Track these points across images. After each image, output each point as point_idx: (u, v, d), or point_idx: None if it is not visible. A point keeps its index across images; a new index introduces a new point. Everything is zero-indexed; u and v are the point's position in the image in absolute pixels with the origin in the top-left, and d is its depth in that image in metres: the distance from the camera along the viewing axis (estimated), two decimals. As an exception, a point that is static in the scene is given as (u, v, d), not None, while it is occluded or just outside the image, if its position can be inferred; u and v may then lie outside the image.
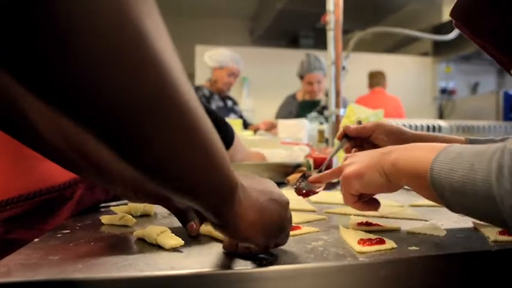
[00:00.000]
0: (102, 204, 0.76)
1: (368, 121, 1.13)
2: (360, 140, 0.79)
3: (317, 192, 0.67)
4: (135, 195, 0.53)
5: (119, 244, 0.50)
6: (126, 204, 0.68)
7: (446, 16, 3.90)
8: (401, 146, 0.53)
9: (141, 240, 0.50)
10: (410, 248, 0.46)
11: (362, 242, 0.47)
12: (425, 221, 0.60)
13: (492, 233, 0.50)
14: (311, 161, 1.05)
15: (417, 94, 4.85)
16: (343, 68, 1.60)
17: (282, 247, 0.46)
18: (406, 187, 0.52)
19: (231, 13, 5.11)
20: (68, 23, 0.21)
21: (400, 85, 4.71)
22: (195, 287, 0.39)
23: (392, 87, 3.70)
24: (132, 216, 0.62)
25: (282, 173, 1.10)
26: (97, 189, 0.72)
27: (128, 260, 0.42)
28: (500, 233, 0.49)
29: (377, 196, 0.59)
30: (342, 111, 1.58)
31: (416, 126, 1.71)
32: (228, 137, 1.05)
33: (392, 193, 0.55)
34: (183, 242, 0.46)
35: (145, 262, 0.41)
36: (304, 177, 0.73)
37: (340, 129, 0.81)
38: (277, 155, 1.30)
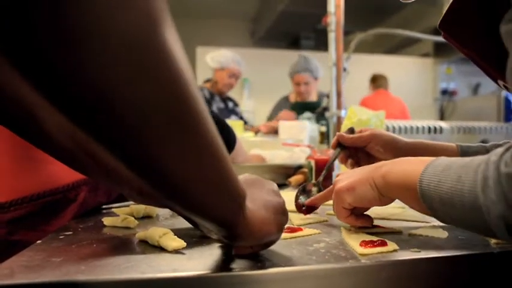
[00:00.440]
0: (104, 206, 0.77)
1: (370, 122, 1.13)
2: (354, 149, 0.79)
3: (318, 207, 0.66)
4: (142, 197, 0.54)
5: (121, 246, 0.50)
6: (128, 206, 0.68)
7: (447, 17, 3.88)
8: (392, 160, 0.53)
9: (143, 242, 0.50)
10: (412, 250, 0.46)
11: (364, 244, 0.47)
12: (427, 223, 0.60)
13: (494, 235, 0.49)
14: (312, 163, 1.05)
15: (418, 95, 4.85)
16: (344, 69, 1.60)
17: (282, 249, 0.46)
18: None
19: (232, 14, 5.11)
20: (97, 40, 0.21)
21: (401, 86, 4.71)
22: (198, 289, 0.39)
23: (393, 89, 3.70)
24: (134, 218, 0.62)
25: (283, 174, 1.10)
26: (100, 191, 0.72)
27: (130, 262, 0.42)
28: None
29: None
30: (343, 112, 1.58)
31: (417, 128, 1.71)
32: (230, 140, 1.05)
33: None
34: (185, 244, 0.46)
35: (147, 264, 0.41)
36: (304, 190, 0.71)
37: (335, 138, 0.81)
38: (278, 156, 1.30)
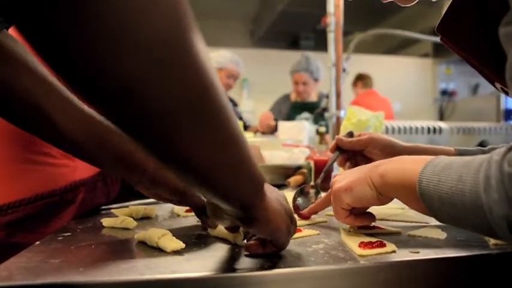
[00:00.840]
0: (103, 207, 0.76)
1: (369, 123, 1.13)
2: (352, 152, 0.80)
3: (317, 212, 0.66)
4: (152, 184, 0.55)
5: (120, 247, 0.50)
6: (127, 207, 0.68)
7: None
8: (390, 159, 0.53)
9: (142, 243, 0.50)
10: (411, 251, 0.46)
11: (363, 245, 0.47)
12: (426, 223, 0.60)
13: (493, 236, 0.49)
14: (311, 163, 1.05)
15: (418, 95, 4.85)
16: (344, 69, 1.60)
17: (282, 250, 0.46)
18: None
19: (231, 15, 5.11)
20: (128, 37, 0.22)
21: (400, 86, 4.71)
22: (196, 290, 0.39)
23: (393, 89, 3.71)
24: (133, 219, 0.62)
25: (282, 175, 1.10)
26: (98, 192, 0.72)
27: (129, 263, 0.42)
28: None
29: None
30: (342, 113, 1.58)
31: (417, 128, 1.71)
32: None
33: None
34: (184, 245, 0.46)
35: (146, 265, 0.41)
36: (302, 192, 0.71)
37: (333, 141, 0.81)
38: (278, 156, 1.30)
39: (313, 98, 2.66)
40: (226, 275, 0.39)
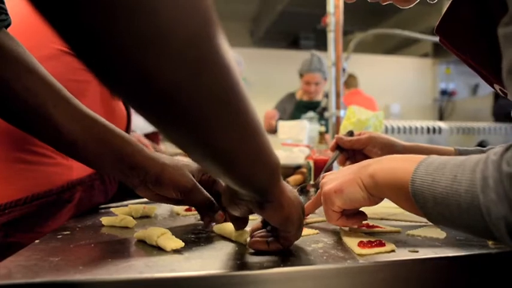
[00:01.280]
0: (103, 206, 0.76)
1: (369, 123, 1.13)
2: (352, 151, 0.80)
3: (308, 214, 0.65)
4: (156, 184, 0.57)
5: (120, 246, 0.50)
6: (126, 206, 0.68)
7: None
8: (379, 158, 0.52)
9: (142, 242, 0.50)
10: (410, 250, 0.46)
11: (362, 244, 0.47)
12: (426, 223, 0.60)
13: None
14: (311, 163, 1.05)
15: (417, 95, 4.85)
16: (344, 69, 1.60)
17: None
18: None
19: (231, 14, 5.11)
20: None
21: (400, 86, 4.72)
22: (195, 289, 0.39)
23: (392, 89, 3.71)
24: (133, 217, 0.62)
25: (282, 174, 1.10)
26: (96, 191, 0.72)
27: (128, 261, 0.42)
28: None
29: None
30: (342, 112, 1.58)
31: (416, 128, 1.71)
32: None
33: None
34: (183, 244, 0.46)
35: (145, 264, 0.41)
36: (302, 191, 0.71)
37: (333, 140, 0.81)
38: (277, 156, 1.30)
39: (319, 97, 2.64)
40: (225, 274, 0.39)
